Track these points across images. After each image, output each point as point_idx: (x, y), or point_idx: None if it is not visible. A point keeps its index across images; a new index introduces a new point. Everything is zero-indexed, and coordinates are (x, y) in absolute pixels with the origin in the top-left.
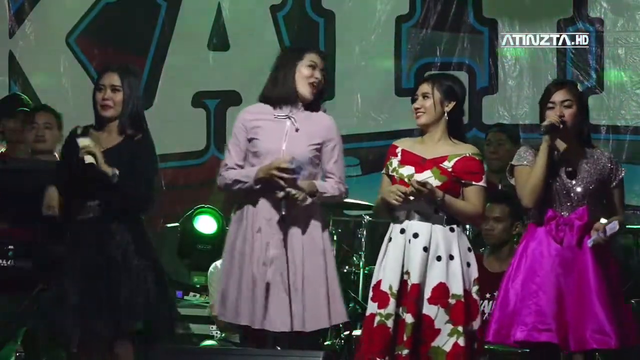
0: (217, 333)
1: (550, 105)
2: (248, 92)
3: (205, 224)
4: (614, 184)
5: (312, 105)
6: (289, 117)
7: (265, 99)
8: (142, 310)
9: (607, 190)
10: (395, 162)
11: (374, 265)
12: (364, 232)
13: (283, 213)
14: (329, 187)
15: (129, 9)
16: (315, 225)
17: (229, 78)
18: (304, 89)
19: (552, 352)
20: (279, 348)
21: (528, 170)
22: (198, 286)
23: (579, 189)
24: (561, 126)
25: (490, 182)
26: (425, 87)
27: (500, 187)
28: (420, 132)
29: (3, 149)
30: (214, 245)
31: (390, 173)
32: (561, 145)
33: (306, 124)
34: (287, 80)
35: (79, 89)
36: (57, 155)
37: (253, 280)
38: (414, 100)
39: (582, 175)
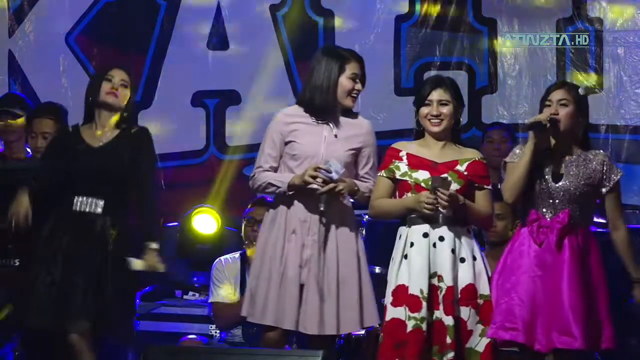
0: (216, 332)
1: (547, 103)
2: (248, 91)
3: (205, 224)
4: (607, 189)
5: (350, 110)
6: (328, 123)
7: (304, 105)
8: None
9: (600, 195)
10: (403, 166)
11: (374, 264)
12: (363, 232)
13: (322, 209)
14: (364, 186)
15: (129, 8)
16: (349, 227)
17: (228, 77)
18: (346, 101)
19: (539, 353)
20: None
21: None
22: (197, 285)
23: (561, 192)
24: (548, 125)
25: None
26: (442, 94)
27: (499, 186)
28: (416, 135)
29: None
30: (214, 245)
31: (398, 177)
32: (554, 145)
33: (346, 129)
34: (329, 91)
35: (78, 88)
36: None
37: (287, 281)
38: (424, 105)
39: (568, 178)
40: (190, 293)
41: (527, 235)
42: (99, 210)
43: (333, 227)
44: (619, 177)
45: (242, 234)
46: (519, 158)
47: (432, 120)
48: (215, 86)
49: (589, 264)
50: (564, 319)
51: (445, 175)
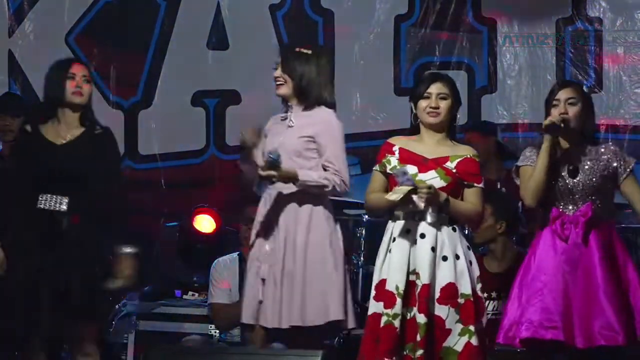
0: (216, 332)
1: (555, 103)
2: (247, 91)
3: (204, 224)
4: (623, 177)
5: (304, 101)
6: (288, 117)
7: None
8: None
9: (618, 186)
10: (393, 160)
11: (373, 264)
12: (363, 232)
13: (254, 189)
14: (316, 175)
15: (129, 8)
16: (313, 221)
17: (228, 77)
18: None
19: (552, 351)
20: (277, 344)
21: (532, 170)
22: (197, 285)
23: (581, 187)
24: (562, 125)
25: (490, 179)
26: (441, 87)
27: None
28: (412, 130)
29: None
30: (213, 245)
31: (388, 171)
32: (564, 144)
33: (301, 119)
34: None
35: None
36: None
37: (251, 277)
38: (423, 97)
39: (585, 172)
40: (190, 293)
41: (550, 233)
42: (64, 207)
43: (295, 221)
44: (633, 164)
45: (239, 234)
46: (536, 161)
47: (430, 113)
48: (215, 86)
49: (616, 256)
50: (604, 315)
51: (432, 171)
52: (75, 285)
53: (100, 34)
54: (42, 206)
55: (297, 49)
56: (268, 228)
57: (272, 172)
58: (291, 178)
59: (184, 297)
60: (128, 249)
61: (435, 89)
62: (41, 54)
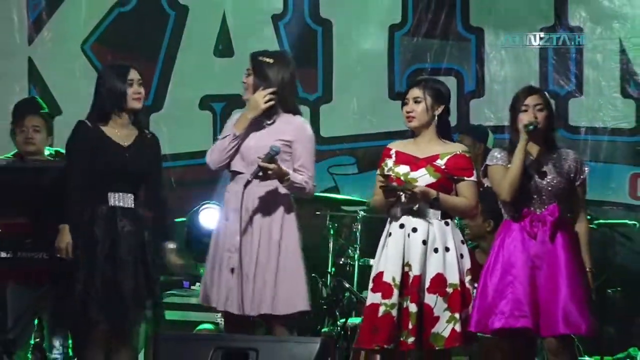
0: (221, 320)
1: (524, 108)
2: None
3: (210, 219)
4: (578, 182)
5: (272, 111)
6: (261, 121)
7: None
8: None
9: (572, 188)
10: (390, 162)
11: (369, 257)
12: (359, 227)
13: (249, 178)
14: (299, 177)
15: (140, 17)
16: (276, 217)
17: (233, 82)
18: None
19: (530, 340)
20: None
21: (502, 169)
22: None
23: (549, 188)
24: (538, 126)
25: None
26: (416, 92)
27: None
28: (412, 133)
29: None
30: None
31: (386, 173)
32: (532, 147)
33: (278, 123)
34: None
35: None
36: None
37: (220, 266)
38: (404, 104)
39: (552, 174)
40: (197, 284)
41: (518, 230)
42: (131, 204)
43: (260, 216)
44: (587, 172)
45: None
46: (507, 161)
47: (407, 117)
48: (222, 91)
49: (578, 254)
50: (567, 307)
51: (422, 169)
52: (141, 279)
53: (114, 42)
54: (113, 204)
55: (260, 58)
56: (242, 221)
57: (271, 165)
58: (283, 175)
59: (192, 287)
60: (173, 245)
61: (410, 94)
62: (59, 61)
